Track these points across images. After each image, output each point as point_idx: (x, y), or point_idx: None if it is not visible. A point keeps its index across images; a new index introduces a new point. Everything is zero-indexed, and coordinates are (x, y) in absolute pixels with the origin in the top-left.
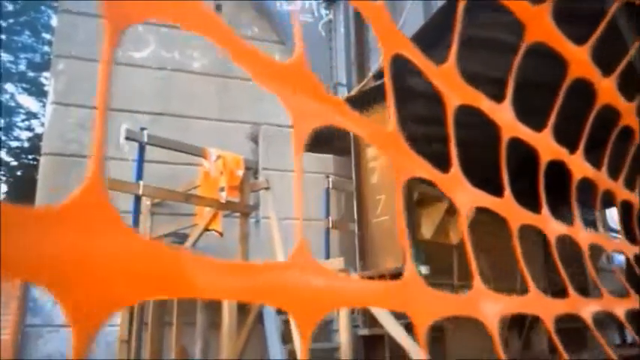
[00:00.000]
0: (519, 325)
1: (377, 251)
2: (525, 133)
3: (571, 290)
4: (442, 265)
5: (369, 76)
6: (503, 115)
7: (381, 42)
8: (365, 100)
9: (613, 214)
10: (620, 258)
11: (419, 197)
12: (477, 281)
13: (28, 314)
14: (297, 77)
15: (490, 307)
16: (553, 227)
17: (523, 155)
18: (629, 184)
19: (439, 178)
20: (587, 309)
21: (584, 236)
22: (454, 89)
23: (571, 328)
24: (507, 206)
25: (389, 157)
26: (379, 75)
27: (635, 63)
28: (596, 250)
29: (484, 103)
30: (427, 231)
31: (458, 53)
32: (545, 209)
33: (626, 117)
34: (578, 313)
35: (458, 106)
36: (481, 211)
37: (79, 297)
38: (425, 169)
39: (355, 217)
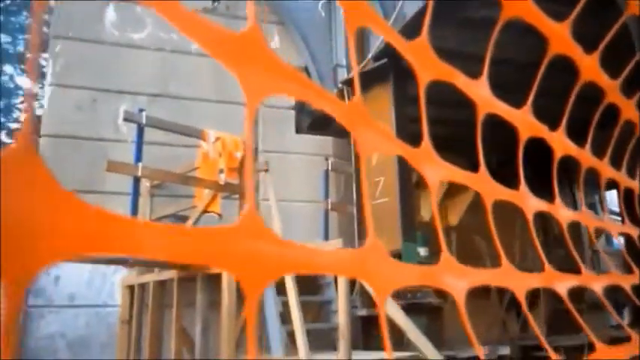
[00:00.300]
0: (517, 306)
1: (376, 233)
2: (503, 109)
3: (547, 265)
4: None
5: (368, 58)
6: (479, 90)
7: (345, 15)
8: (364, 82)
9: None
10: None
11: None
12: (445, 253)
13: (29, 295)
14: (249, 47)
15: (457, 278)
16: (531, 204)
17: (528, 144)
18: (616, 163)
19: (408, 153)
20: (563, 284)
21: (564, 214)
22: (426, 64)
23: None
24: (481, 181)
25: (352, 131)
26: (378, 56)
27: (631, 32)
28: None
29: (459, 78)
30: (426, 213)
31: (459, 34)
32: (523, 185)
33: (610, 95)
34: (552, 288)
35: (430, 81)
36: (478, 196)
37: (7, 252)
38: (392, 143)
39: (354, 199)
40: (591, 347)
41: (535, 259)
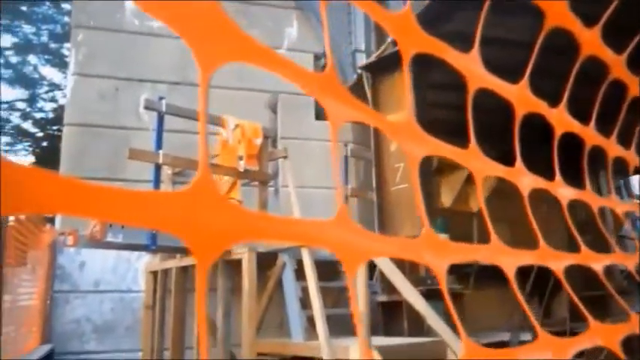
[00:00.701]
0: (540, 293)
1: (396, 219)
2: (496, 84)
3: (542, 243)
4: (462, 233)
5: (387, 42)
6: (470, 65)
7: None
8: (384, 66)
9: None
10: None
11: (438, 165)
12: (426, 228)
13: (55, 280)
14: (203, 15)
15: (438, 254)
16: (526, 181)
17: (542, 126)
18: (624, 141)
19: (385, 125)
20: (558, 262)
21: (564, 192)
22: (409, 37)
23: (594, 296)
24: (471, 157)
25: (320, 101)
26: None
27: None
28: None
29: (448, 52)
30: (447, 199)
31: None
32: (519, 163)
33: (615, 70)
34: (546, 265)
35: (415, 54)
36: (502, 182)
37: None
38: (364, 113)
39: (374, 185)
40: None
41: (558, 245)
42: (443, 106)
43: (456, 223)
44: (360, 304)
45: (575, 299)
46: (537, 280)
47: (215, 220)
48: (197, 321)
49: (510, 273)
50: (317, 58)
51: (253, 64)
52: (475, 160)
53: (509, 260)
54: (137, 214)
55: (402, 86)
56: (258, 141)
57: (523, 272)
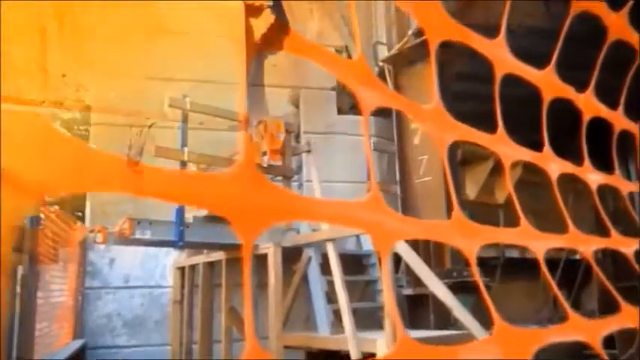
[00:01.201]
0: (569, 284)
1: (420, 212)
2: (523, 69)
3: (571, 227)
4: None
5: (409, 34)
6: (496, 51)
7: None
8: (406, 59)
9: None
10: None
11: (463, 156)
12: (457, 212)
13: (86, 277)
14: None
15: (467, 236)
16: (554, 166)
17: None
18: None
19: (412, 110)
20: (588, 246)
21: (593, 177)
22: (436, 24)
23: (625, 287)
24: (499, 142)
25: (351, 88)
26: (419, 33)
27: None
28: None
29: (474, 39)
30: (472, 191)
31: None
32: (547, 148)
33: None
34: (575, 248)
35: (441, 42)
36: (527, 174)
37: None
38: (392, 99)
39: (397, 178)
40: None
41: (586, 231)
42: (468, 97)
43: (482, 215)
44: (385, 297)
45: (606, 282)
46: (566, 272)
47: (258, 198)
48: (243, 293)
49: (540, 256)
50: (338, 51)
51: (288, 51)
52: (503, 145)
53: (539, 243)
54: (188, 194)
55: (425, 78)
56: (281, 136)
57: (551, 264)
